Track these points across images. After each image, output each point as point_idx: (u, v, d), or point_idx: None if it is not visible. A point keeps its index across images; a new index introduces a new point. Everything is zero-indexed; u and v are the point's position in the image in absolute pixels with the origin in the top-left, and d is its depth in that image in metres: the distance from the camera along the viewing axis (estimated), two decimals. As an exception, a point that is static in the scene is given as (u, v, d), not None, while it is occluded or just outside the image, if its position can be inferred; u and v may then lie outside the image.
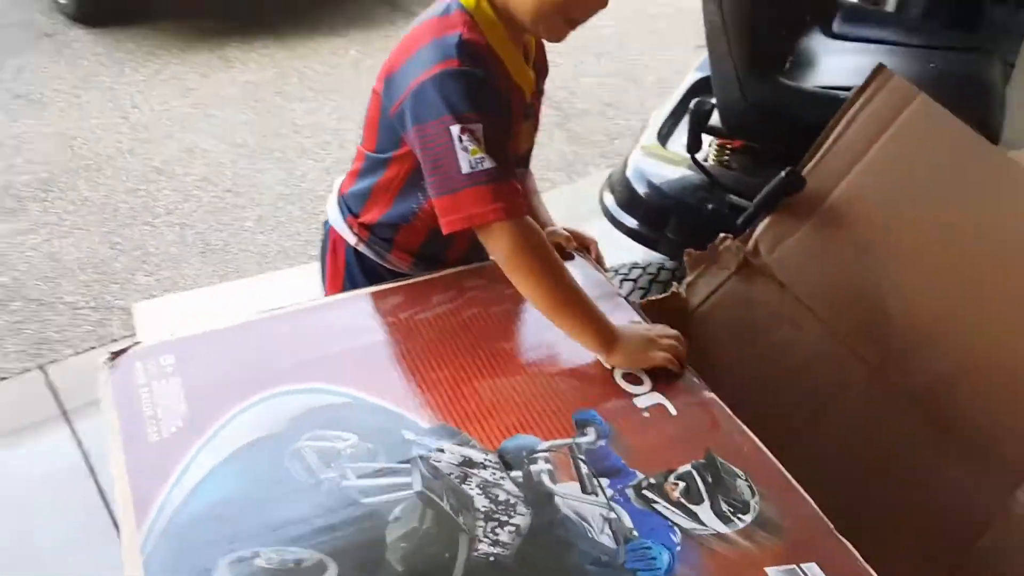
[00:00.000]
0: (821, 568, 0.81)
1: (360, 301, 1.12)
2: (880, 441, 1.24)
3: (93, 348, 2.08)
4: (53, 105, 3.12)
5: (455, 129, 0.97)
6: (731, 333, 1.35)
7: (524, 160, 1.22)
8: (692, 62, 3.57)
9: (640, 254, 1.60)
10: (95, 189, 2.68)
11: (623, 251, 1.65)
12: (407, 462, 0.88)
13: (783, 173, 1.25)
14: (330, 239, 1.25)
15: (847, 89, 1.46)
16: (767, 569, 0.80)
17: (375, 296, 1.13)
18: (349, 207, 1.21)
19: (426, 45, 1.02)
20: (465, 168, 0.97)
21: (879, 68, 1.19)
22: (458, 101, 0.98)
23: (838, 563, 0.81)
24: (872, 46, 1.57)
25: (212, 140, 2.97)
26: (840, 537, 0.84)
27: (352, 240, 1.21)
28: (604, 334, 1.02)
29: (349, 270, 1.24)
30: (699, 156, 1.58)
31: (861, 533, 1.22)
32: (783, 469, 0.91)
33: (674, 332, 1.06)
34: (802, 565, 0.81)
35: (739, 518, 0.85)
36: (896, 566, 1.17)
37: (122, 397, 0.94)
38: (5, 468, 1.77)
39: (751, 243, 1.32)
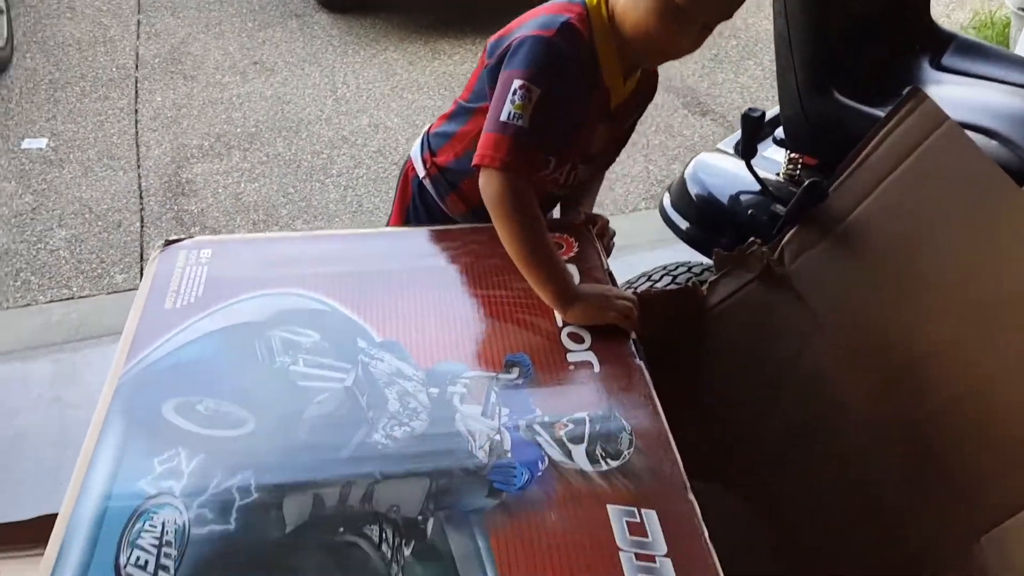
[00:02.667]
0: (659, 518, 0.85)
1: (378, 238, 1.28)
2: (863, 468, 1.22)
3: (243, 274, 2.42)
4: (280, 73, 3.59)
5: (517, 83, 1.09)
6: (742, 337, 1.37)
7: (591, 158, 1.31)
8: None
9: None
10: (288, 147, 3.07)
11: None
12: (350, 362, 1.03)
13: (806, 184, 1.26)
14: (405, 168, 1.40)
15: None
16: (608, 506, 0.86)
17: (392, 236, 1.28)
18: (430, 145, 1.35)
19: (538, 16, 1.15)
20: (503, 116, 1.10)
21: (914, 90, 1.17)
22: (533, 62, 1.10)
23: (679, 519, 0.85)
24: (979, 81, 1.50)
25: (397, 119, 3.29)
26: (691, 498, 0.87)
27: (421, 173, 1.35)
28: (564, 292, 1.10)
29: (413, 202, 1.39)
30: (772, 169, 1.60)
31: (827, 556, 1.22)
32: (669, 434, 0.95)
33: (629, 294, 1.12)
34: (643, 510, 0.86)
35: (607, 462, 0.91)
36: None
37: (159, 272, 1.16)
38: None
39: (777, 251, 1.34)
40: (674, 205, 1.57)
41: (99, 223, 2.58)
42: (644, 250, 2.20)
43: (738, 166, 1.56)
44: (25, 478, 1.68)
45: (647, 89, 1.32)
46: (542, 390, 1.01)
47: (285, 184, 2.85)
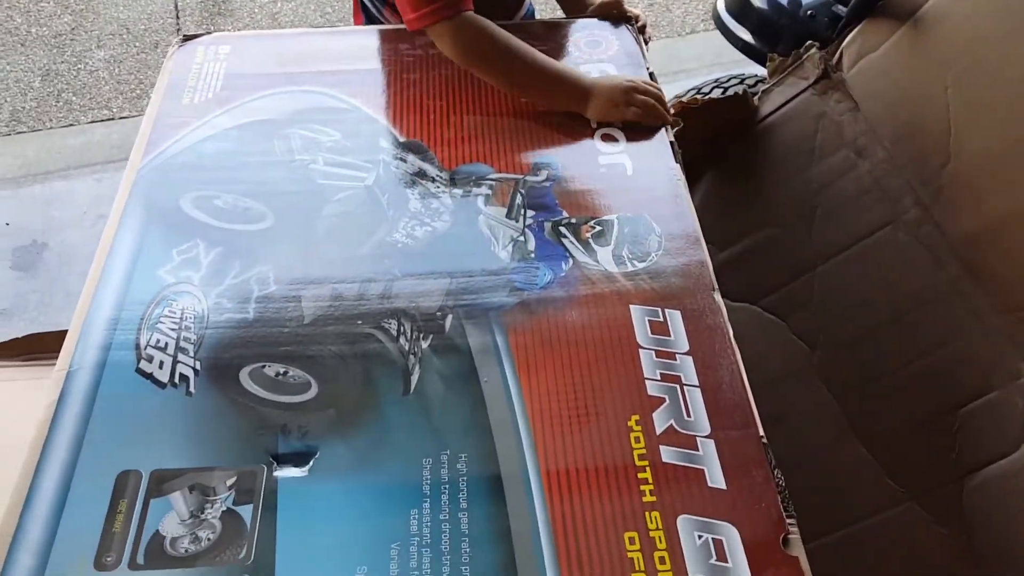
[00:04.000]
0: (683, 316, 0.82)
1: (391, 33, 1.20)
2: (912, 284, 1.16)
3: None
4: None
5: None
6: (793, 148, 1.29)
7: None
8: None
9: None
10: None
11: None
12: (371, 162, 0.99)
13: (871, -26, 1.14)
14: None
15: None
16: (632, 306, 0.83)
17: (404, 33, 1.19)
18: None
19: None
20: None
21: None
22: None
23: (702, 318, 0.82)
24: None
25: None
26: (718, 299, 0.83)
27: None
28: (576, 92, 1.03)
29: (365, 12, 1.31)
30: (839, -29, 1.45)
31: (860, 369, 1.18)
32: (703, 241, 0.90)
33: (655, 87, 1.04)
34: (667, 310, 0.82)
35: (633, 263, 0.88)
36: (883, 414, 1.13)
37: (177, 68, 1.12)
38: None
39: (836, 55, 1.23)
40: (729, 10, 1.45)
41: (136, 44, 2.53)
42: (702, 75, 2.07)
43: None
44: (74, 293, 1.72)
45: None
46: (570, 192, 0.96)
47: (323, 3, 2.73)
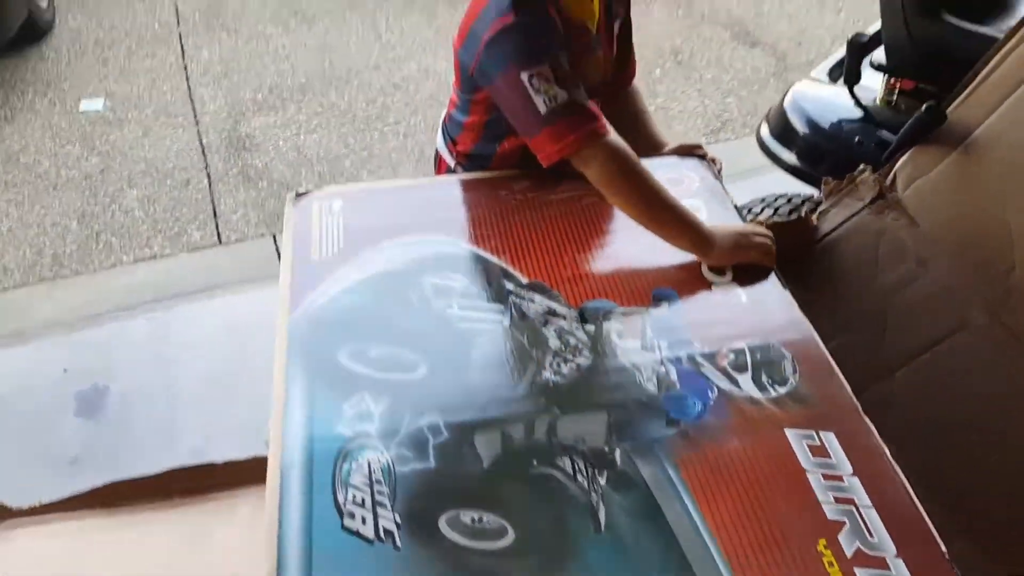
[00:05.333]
0: (838, 438, 0.88)
1: (489, 180, 1.29)
2: (989, 385, 1.24)
3: (316, 226, 2.45)
4: (321, 22, 3.57)
5: (524, 76, 1.06)
6: (856, 263, 1.39)
7: (597, 90, 1.23)
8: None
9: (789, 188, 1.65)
10: (341, 96, 3.07)
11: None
12: (502, 304, 1.06)
13: (923, 107, 1.26)
14: (437, 160, 1.41)
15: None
16: (786, 430, 0.90)
17: (502, 178, 1.29)
18: (449, 134, 1.35)
19: (486, 5, 1.10)
20: (542, 108, 1.07)
21: (1038, 7, 1.17)
22: (520, 52, 1.07)
23: (856, 438, 0.88)
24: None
25: (445, 63, 3.26)
26: (864, 417, 0.90)
27: (451, 163, 1.36)
28: (699, 238, 1.11)
29: None
30: (868, 96, 1.59)
31: (946, 471, 1.25)
32: (832, 361, 0.98)
33: (765, 230, 1.13)
34: (820, 432, 0.89)
35: (775, 388, 0.94)
36: (974, 516, 1.19)
37: (299, 225, 1.19)
38: (233, 311, 2.16)
39: (889, 177, 1.35)
40: (774, 135, 1.57)
41: (168, 181, 2.61)
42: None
43: (837, 94, 1.56)
44: (143, 435, 1.74)
45: None
46: (695, 322, 1.03)
47: (344, 134, 2.86)
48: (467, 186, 1.29)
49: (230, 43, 3.38)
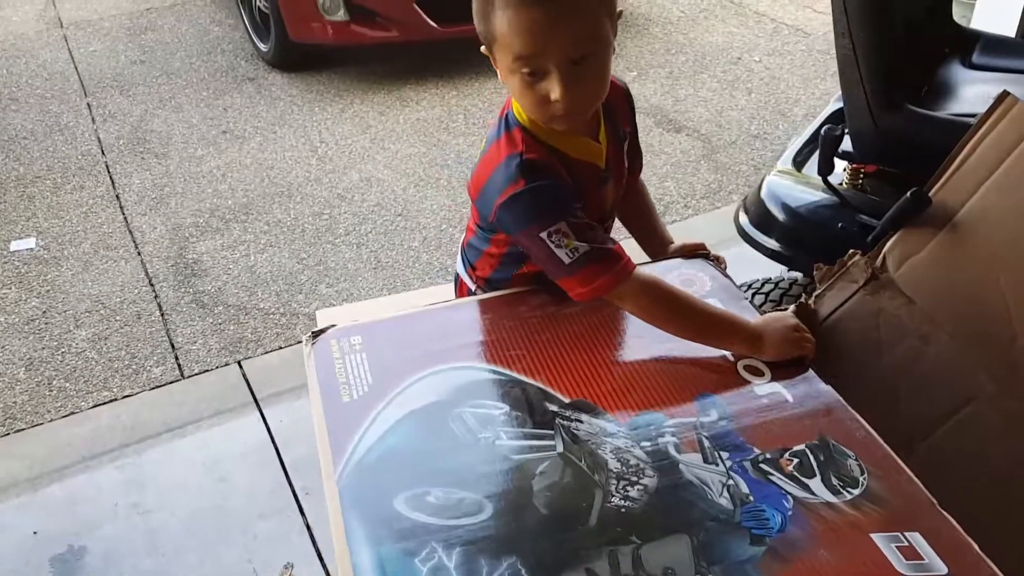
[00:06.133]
0: (924, 538, 0.89)
1: (507, 299, 1.28)
2: (1004, 458, 1.28)
3: (282, 348, 2.38)
4: (253, 139, 3.54)
5: (543, 235, 1.10)
6: (858, 345, 1.42)
7: (611, 214, 1.30)
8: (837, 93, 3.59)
9: (766, 270, 1.70)
10: (287, 212, 3.03)
11: (758, 268, 1.76)
12: (551, 429, 1.04)
13: (908, 194, 1.32)
14: (458, 282, 1.43)
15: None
16: (872, 535, 0.89)
17: (519, 296, 1.28)
18: (468, 260, 1.37)
19: (499, 167, 1.13)
20: (566, 260, 1.11)
21: (1003, 94, 1.25)
22: (534, 214, 1.11)
23: (942, 535, 0.89)
24: (1013, 76, 1.61)
25: (387, 171, 3.28)
26: (943, 512, 0.91)
27: (472, 287, 1.37)
28: (750, 338, 1.13)
29: None
30: (834, 180, 1.67)
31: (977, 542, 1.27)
32: (893, 454, 0.99)
33: (798, 321, 1.16)
34: (906, 533, 0.89)
35: (848, 491, 0.95)
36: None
37: (321, 367, 1.15)
38: (207, 447, 2.06)
39: (879, 259, 1.40)
40: (754, 224, 1.63)
41: (117, 317, 2.50)
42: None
43: (809, 182, 1.63)
44: (129, 594, 1.62)
45: (616, 111, 1.25)
46: (747, 427, 1.03)
47: (296, 250, 2.81)
48: (485, 307, 1.27)
49: (161, 168, 3.31)
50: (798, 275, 1.71)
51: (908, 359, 1.38)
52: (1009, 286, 1.28)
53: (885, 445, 1.00)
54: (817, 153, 1.74)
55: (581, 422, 1.05)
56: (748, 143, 3.39)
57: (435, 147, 3.44)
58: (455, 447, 1.02)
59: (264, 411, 2.14)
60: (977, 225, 1.31)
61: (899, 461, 0.98)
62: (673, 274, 1.32)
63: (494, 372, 1.14)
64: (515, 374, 1.13)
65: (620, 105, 1.27)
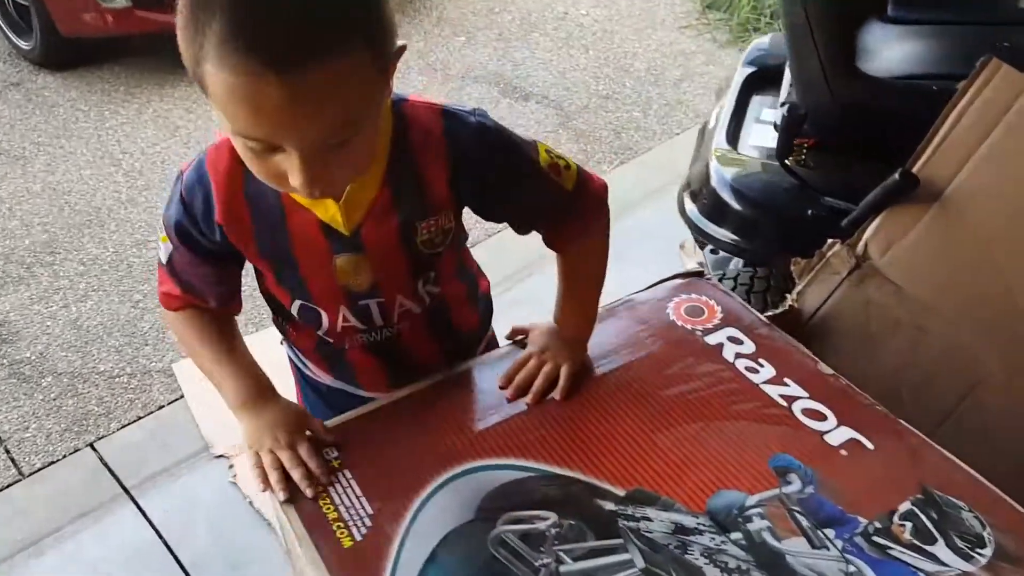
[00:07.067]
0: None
1: (492, 367, 1.06)
2: (1010, 439, 1.23)
3: (141, 418, 1.98)
4: (36, 160, 2.98)
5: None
6: (849, 341, 1.32)
7: (364, 294, 0.95)
8: (679, 44, 3.55)
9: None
10: (102, 246, 2.56)
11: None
12: (616, 536, 0.84)
13: (896, 175, 1.22)
14: None
15: (933, 77, 1.45)
16: (1027, 604, 0.78)
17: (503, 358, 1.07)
18: None
19: None
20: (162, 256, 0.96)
21: (988, 59, 1.17)
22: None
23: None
24: (932, 27, 1.55)
25: (211, 178, 2.86)
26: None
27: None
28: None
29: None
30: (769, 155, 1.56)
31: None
32: (1002, 494, 0.88)
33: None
34: (1061, 594, 0.78)
35: (978, 553, 0.82)
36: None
37: (301, 510, 0.88)
38: (82, 552, 1.68)
39: (860, 246, 1.30)
40: (706, 215, 1.48)
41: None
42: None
43: (762, 167, 1.50)
44: None
45: (424, 159, 0.88)
46: (838, 491, 0.89)
47: (126, 291, 2.37)
48: (467, 384, 1.04)
49: (-79, 213, 2.71)
50: (737, 265, 1.59)
51: (906, 351, 1.29)
52: (1008, 263, 1.21)
53: (990, 485, 0.88)
54: (749, 127, 1.63)
55: (650, 520, 0.86)
56: (601, 105, 3.27)
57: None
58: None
59: (140, 502, 1.77)
60: (968, 202, 1.23)
61: (1011, 502, 0.86)
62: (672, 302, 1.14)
63: (516, 469, 0.92)
64: (543, 466, 0.92)
65: (432, 169, 0.88)
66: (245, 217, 0.88)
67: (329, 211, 0.86)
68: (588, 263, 1.05)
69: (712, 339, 1.09)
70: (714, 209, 1.48)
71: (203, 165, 0.88)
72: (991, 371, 1.23)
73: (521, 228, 1.00)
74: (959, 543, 0.83)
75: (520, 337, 1.08)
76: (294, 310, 0.98)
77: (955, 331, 1.24)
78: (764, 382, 1.03)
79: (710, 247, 1.55)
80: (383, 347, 1.02)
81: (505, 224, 1.00)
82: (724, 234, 1.48)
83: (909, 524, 0.85)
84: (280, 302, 1.00)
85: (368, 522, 0.86)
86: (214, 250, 0.91)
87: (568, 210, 0.98)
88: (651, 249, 2.09)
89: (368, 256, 0.91)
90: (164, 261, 0.95)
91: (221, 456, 1.84)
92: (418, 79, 3.46)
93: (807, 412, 0.98)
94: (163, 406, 1.99)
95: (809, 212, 1.37)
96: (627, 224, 2.26)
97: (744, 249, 1.47)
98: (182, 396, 2.00)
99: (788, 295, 1.36)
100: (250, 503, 1.73)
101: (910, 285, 1.27)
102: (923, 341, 1.27)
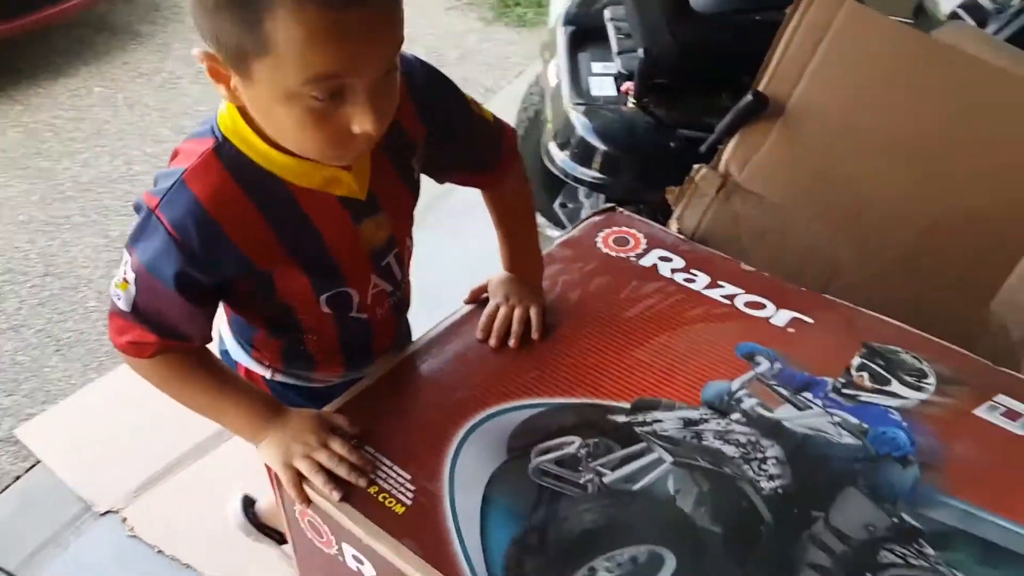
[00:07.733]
0: (1008, 395, 0.96)
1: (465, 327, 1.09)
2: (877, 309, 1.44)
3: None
4: None
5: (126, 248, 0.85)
6: (729, 251, 1.48)
7: (382, 253, 0.96)
8: (450, 26, 3.63)
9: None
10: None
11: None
12: (639, 442, 0.91)
13: (748, 96, 1.38)
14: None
15: (755, 9, 1.62)
16: (973, 411, 0.95)
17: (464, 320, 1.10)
18: (242, 337, 1.12)
19: (166, 170, 0.83)
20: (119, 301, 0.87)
21: (808, -17, 1.35)
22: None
23: (1017, 390, 0.98)
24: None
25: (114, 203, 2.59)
26: (1003, 369, 1.00)
27: (268, 375, 1.11)
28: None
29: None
30: (619, 102, 1.69)
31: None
32: (924, 333, 1.05)
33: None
34: (995, 399, 0.96)
35: (925, 383, 0.99)
36: None
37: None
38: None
39: (723, 166, 1.45)
40: (575, 159, 1.59)
41: None
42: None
43: (619, 112, 1.62)
44: None
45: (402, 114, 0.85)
46: (801, 361, 1.02)
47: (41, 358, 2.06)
48: (455, 339, 1.06)
49: None
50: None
51: (773, 252, 1.46)
52: (847, 156, 1.41)
53: (913, 328, 1.05)
54: (589, 78, 1.75)
55: (661, 421, 0.94)
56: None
57: (39, 179, 2.74)
58: (571, 506, 0.85)
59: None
60: (806, 111, 1.40)
61: (932, 338, 1.04)
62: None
63: (529, 407, 0.96)
64: (551, 399, 0.97)
65: (403, 105, 0.84)
66: (259, 220, 0.83)
67: (343, 184, 0.85)
68: (523, 199, 1.11)
69: (645, 261, 1.19)
70: (584, 155, 1.58)
71: (183, 193, 0.79)
72: (847, 257, 1.43)
73: (458, 168, 1.04)
74: (908, 379, 0.99)
75: (483, 296, 1.11)
76: (323, 303, 0.93)
77: (814, 227, 1.43)
78: (703, 288, 1.14)
79: (583, 191, 1.66)
80: (403, 301, 1.07)
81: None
82: (595, 176, 1.59)
83: (865, 373, 1.00)
84: (290, 310, 0.94)
85: (411, 486, 0.86)
86: (214, 284, 0.85)
87: (497, 143, 1.03)
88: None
89: (385, 212, 0.92)
90: (126, 308, 0.85)
91: (108, 512, 1.69)
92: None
93: (749, 304, 1.11)
94: (19, 476, 1.78)
95: (671, 144, 1.51)
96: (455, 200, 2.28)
97: (603, 185, 1.59)
98: (39, 462, 1.80)
99: (670, 220, 1.49)
100: (159, 552, 1.61)
101: (770, 193, 1.44)
102: (787, 243, 1.46)
